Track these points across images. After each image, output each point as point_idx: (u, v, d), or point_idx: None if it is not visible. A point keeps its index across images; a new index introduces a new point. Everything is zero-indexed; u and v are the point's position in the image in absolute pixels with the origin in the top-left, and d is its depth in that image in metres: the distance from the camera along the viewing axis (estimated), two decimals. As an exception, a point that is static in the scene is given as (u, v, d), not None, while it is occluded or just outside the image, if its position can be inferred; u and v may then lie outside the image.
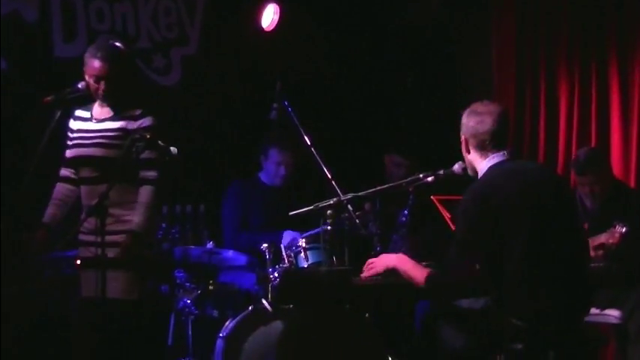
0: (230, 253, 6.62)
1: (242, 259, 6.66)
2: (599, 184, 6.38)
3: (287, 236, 6.63)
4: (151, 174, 5.29)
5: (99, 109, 5.46)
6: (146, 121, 5.35)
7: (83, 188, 5.41)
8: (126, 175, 5.23)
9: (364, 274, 5.00)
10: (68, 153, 5.46)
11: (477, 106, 4.73)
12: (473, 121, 4.67)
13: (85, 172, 5.38)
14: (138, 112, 5.39)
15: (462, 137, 4.74)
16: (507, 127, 4.79)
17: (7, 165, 6.41)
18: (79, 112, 5.51)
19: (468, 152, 4.73)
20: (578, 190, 6.48)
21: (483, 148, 4.66)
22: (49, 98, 5.28)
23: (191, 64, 7.78)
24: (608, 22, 7.50)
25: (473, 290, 4.66)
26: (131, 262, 5.22)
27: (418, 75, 8.69)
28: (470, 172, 4.83)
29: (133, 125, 5.33)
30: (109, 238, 5.11)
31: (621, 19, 7.43)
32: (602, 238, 5.91)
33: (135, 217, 5.26)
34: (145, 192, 5.29)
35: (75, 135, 5.47)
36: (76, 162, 5.42)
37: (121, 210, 5.28)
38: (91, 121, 5.44)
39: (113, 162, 5.24)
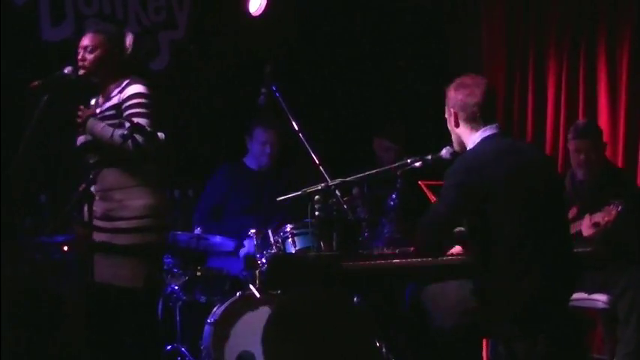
0: (218, 238, 6.63)
1: (230, 244, 6.67)
2: (595, 153, 6.36)
3: (244, 250, 6.65)
4: (140, 137, 5.08)
5: (100, 94, 5.42)
6: (132, 89, 5.24)
7: (92, 174, 5.31)
8: (123, 158, 5.16)
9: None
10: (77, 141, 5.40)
11: (464, 79, 4.72)
12: (462, 94, 4.65)
13: (90, 158, 5.32)
14: (125, 81, 5.28)
15: (451, 111, 4.70)
16: (496, 101, 4.81)
17: None
18: (92, 102, 5.47)
19: (457, 126, 4.70)
20: (572, 162, 6.46)
21: (474, 121, 4.63)
22: (36, 83, 5.25)
23: (179, 49, 7.75)
24: (597, 7, 7.50)
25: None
26: (138, 248, 5.17)
27: (408, 58, 8.68)
28: (456, 146, 4.81)
29: (119, 97, 5.25)
30: (115, 224, 5.15)
31: (610, 3, 7.43)
32: (598, 217, 5.90)
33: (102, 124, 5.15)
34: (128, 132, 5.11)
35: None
36: (82, 149, 5.35)
37: (122, 194, 5.20)
38: (96, 107, 5.40)
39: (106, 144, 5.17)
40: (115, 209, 5.17)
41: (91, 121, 5.17)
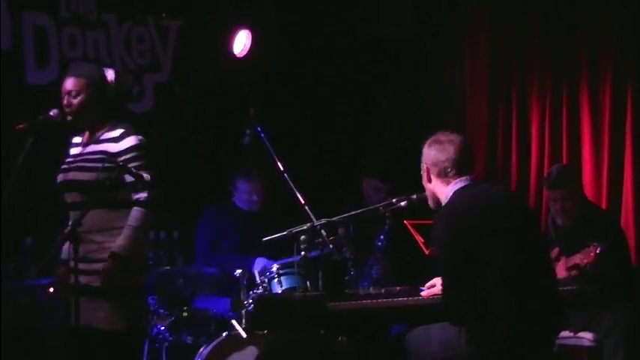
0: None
1: (212, 270, 6.68)
2: (571, 200, 6.40)
3: (259, 263, 6.64)
4: (141, 195, 5.15)
5: (86, 134, 5.41)
6: (129, 141, 5.24)
7: (71, 214, 5.32)
8: (106, 201, 5.14)
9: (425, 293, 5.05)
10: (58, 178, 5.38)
11: (439, 136, 4.82)
12: (434, 150, 4.75)
13: (70, 197, 5.30)
14: (119, 132, 5.28)
15: (424, 166, 4.79)
16: (469, 156, 4.86)
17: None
18: (75, 139, 5.46)
19: (429, 181, 4.79)
20: (550, 209, 6.53)
21: (445, 176, 4.71)
22: (21, 126, 5.25)
23: (163, 91, 7.78)
24: (579, 45, 7.57)
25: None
26: (118, 290, 5.14)
27: (391, 99, 8.72)
28: (430, 203, 4.87)
29: (116, 148, 5.23)
30: (93, 266, 5.11)
31: (592, 43, 7.51)
32: (577, 258, 5.92)
33: (120, 240, 5.10)
34: (134, 214, 5.14)
35: (66, 160, 5.41)
36: (61, 187, 5.33)
37: (103, 236, 5.18)
38: (80, 146, 5.40)
39: (91, 186, 5.15)
40: (94, 251, 5.14)
41: (120, 249, 5.11)
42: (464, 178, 4.70)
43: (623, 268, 6.34)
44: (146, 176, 5.06)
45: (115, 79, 5.40)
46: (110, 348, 5.16)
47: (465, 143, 4.81)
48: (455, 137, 4.79)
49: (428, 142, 4.81)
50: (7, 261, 6.51)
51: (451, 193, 4.69)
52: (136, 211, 5.16)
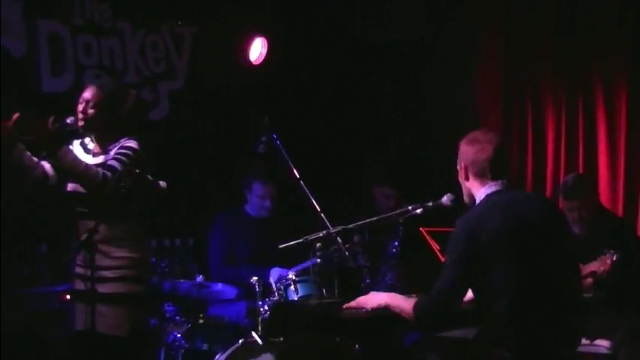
0: (219, 286, 6.63)
1: (232, 292, 6.67)
2: (586, 210, 6.41)
3: (274, 273, 6.64)
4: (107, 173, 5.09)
5: (97, 144, 5.42)
6: (125, 142, 5.26)
7: (80, 223, 5.33)
8: (114, 211, 5.16)
9: (348, 305, 5.01)
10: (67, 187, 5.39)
11: (477, 135, 4.75)
12: (473, 149, 4.67)
13: (78, 207, 5.33)
14: (124, 139, 5.31)
15: (461, 164, 4.73)
16: (506, 157, 4.83)
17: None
18: (75, 146, 5.45)
19: (467, 179, 4.73)
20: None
21: (483, 176, 4.66)
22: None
23: (178, 98, 7.79)
24: (594, 52, 7.57)
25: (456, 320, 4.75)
26: (119, 296, 5.19)
27: (403, 107, 8.74)
28: (466, 198, 4.81)
29: (116, 148, 5.26)
30: (99, 273, 5.12)
31: (607, 49, 7.50)
32: (593, 266, 5.92)
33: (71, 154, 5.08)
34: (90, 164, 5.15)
35: None
36: (71, 196, 5.36)
37: (109, 246, 5.21)
38: (90, 155, 5.41)
39: (101, 197, 5.15)
40: (99, 259, 5.15)
41: (65, 149, 5.10)
42: (499, 182, 4.66)
43: (638, 275, 6.33)
44: (162, 184, 5.08)
45: (134, 100, 5.43)
46: (112, 353, 5.20)
47: (502, 143, 4.79)
48: (493, 136, 4.75)
49: (466, 139, 4.74)
50: (22, 267, 6.54)
51: (483, 196, 4.67)
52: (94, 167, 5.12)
